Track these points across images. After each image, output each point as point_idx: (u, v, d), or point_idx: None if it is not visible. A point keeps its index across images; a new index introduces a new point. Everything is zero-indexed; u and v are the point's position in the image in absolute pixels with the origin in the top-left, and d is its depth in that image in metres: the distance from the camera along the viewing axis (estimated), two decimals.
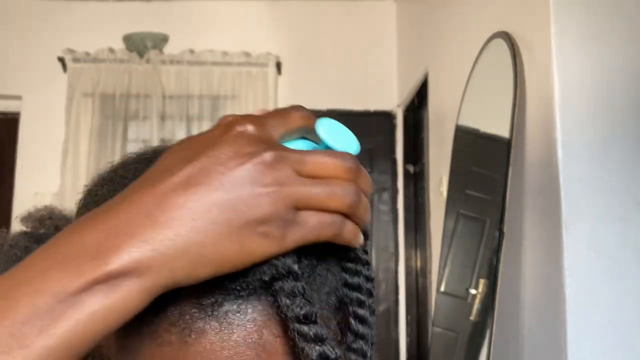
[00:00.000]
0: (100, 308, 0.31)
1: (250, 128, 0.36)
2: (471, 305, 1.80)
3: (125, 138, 3.44)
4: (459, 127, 2.17)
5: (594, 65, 1.48)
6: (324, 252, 0.40)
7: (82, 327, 0.30)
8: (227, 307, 0.36)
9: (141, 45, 3.48)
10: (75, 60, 3.45)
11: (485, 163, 1.92)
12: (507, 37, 1.79)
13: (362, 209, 0.37)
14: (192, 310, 0.36)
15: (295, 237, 0.35)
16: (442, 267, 2.19)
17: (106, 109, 3.47)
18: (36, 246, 0.37)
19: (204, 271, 0.33)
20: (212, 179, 0.33)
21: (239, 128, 0.36)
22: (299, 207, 0.35)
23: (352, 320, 0.41)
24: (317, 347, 0.35)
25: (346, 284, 0.41)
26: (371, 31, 3.65)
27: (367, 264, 0.43)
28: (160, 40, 3.52)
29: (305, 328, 0.35)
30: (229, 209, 0.33)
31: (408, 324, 3.38)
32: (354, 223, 0.38)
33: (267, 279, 0.36)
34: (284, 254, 0.36)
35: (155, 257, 0.31)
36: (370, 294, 0.42)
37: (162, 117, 3.45)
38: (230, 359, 0.35)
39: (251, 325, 0.36)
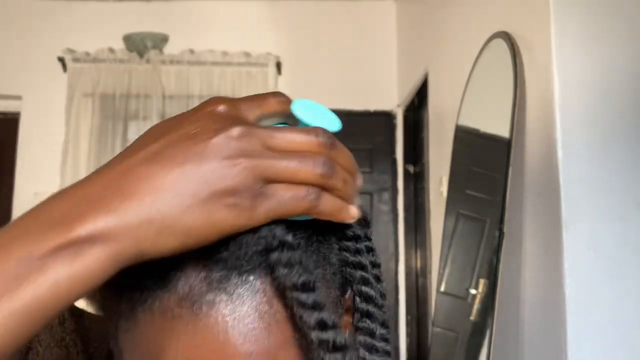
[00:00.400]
0: (64, 273, 0.31)
1: (221, 107, 0.36)
2: (471, 305, 1.80)
3: (125, 138, 3.44)
4: (459, 127, 2.17)
5: (594, 65, 1.48)
6: (321, 229, 0.40)
7: (46, 291, 0.30)
8: (234, 280, 0.36)
9: (141, 45, 3.48)
10: (75, 60, 3.45)
11: (485, 163, 1.92)
12: (507, 37, 1.79)
13: (339, 181, 0.36)
14: (202, 285, 0.36)
15: (266, 209, 0.34)
16: (442, 267, 2.19)
17: (106, 109, 3.47)
18: None
19: (169, 242, 0.33)
20: (178, 152, 0.34)
21: (210, 107, 0.36)
22: (268, 180, 0.35)
23: (357, 299, 0.41)
24: (316, 314, 0.36)
25: (348, 263, 0.42)
26: (371, 31, 3.65)
27: (371, 250, 0.43)
28: (160, 40, 3.52)
29: (303, 296, 0.36)
30: (195, 181, 0.33)
31: (408, 324, 3.38)
32: (334, 197, 0.36)
33: (260, 248, 0.36)
34: (275, 225, 0.36)
35: (119, 226, 0.32)
36: (377, 278, 0.43)
37: (162, 117, 3.44)
38: (241, 329, 0.35)
39: (261, 296, 0.36)
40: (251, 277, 0.37)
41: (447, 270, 2.15)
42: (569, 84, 1.47)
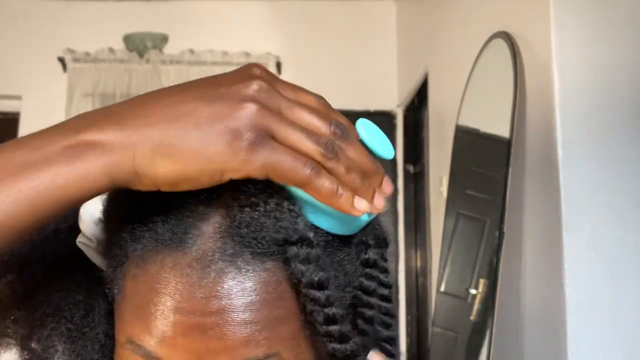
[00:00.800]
0: (64, 170, 0.34)
1: (257, 70, 0.38)
2: (471, 305, 1.80)
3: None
4: (459, 127, 2.17)
5: (594, 65, 1.48)
6: (342, 240, 0.41)
7: (45, 181, 0.33)
8: (247, 257, 0.38)
9: (141, 45, 3.48)
10: (75, 60, 3.45)
11: (485, 163, 1.92)
12: (507, 37, 1.79)
13: (341, 166, 0.37)
14: (215, 254, 0.38)
15: (263, 159, 0.35)
16: (442, 267, 2.19)
17: None
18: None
19: (163, 164, 0.34)
20: (201, 90, 0.36)
21: (249, 69, 0.38)
22: (274, 137, 0.35)
23: (359, 321, 0.42)
24: (326, 311, 0.37)
25: (361, 288, 0.43)
26: (371, 31, 3.65)
27: (385, 270, 0.44)
28: (160, 40, 3.52)
29: (317, 293, 0.37)
30: (204, 115, 0.35)
31: (408, 324, 3.38)
32: (335, 180, 0.37)
33: (279, 237, 0.37)
34: (298, 219, 0.38)
35: (121, 138, 0.34)
36: (385, 298, 0.44)
37: None
38: (244, 299, 0.37)
39: (269, 275, 0.38)
40: (264, 259, 0.38)
41: (447, 270, 2.15)
42: (569, 84, 1.47)
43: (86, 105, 3.40)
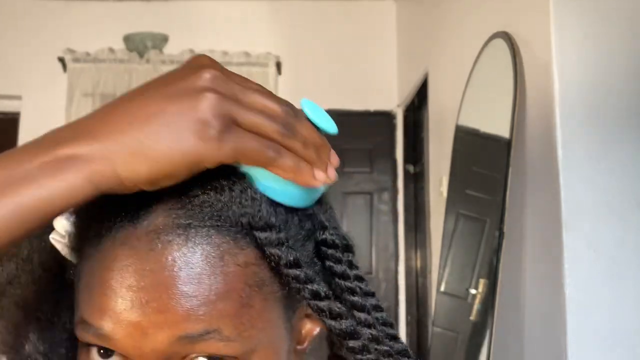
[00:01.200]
0: (47, 185, 0.35)
1: (206, 60, 0.39)
2: (471, 305, 1.80)
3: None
4: (459, 127, 2.17)
5: (594, 65, 1.48)
6: (300, 221, 0.43)
7: (30, 197, 0.35)
8: (196, 230, 0.39)
9: (141, 45, 3.48)
10: (75, 60, 3.45)
11: (485, 163, 1.92)
12: (507, 37, 1.79)
13: (298, 143, 0.39)
14: (165, 227, 0.40)
15: (232, 144, 0.37)
16: (442, 267, 2.19)
17: None
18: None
19: (142, 167, 0.36)
20: (160, 90, 0.37)
21: (195, 60, 0.39)
22: (236, 124, 0.37)
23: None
24: (309, 286, 0.40)
25: (332, 271, 0.44)
26: (371, 31, 3.65)
27: (357, 278, 0.45)
28: (160, 40, 3.52)
29: (297, 272, 0.40)
30: (170, 112, 0.36)
31: (408, 324, 3.38)
32: (296, 157, 0.39)
33: (245, 221, 0.40)
34: (260, 204, 0.40)
35: (98, 149, 0.36)
36: (364, 292, 0.45)
37: None
38: (187, 272, 0.38)
39: (214, 249, 0.39)
40: (211, 233, 0.39)
41: (447, 270, 2.15)
42: (569, 84, 1.47)
43: (86, 105, 3.40)
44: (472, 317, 1.79)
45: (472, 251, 1.92)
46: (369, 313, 0.43)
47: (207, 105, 0.36)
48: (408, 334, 3.38)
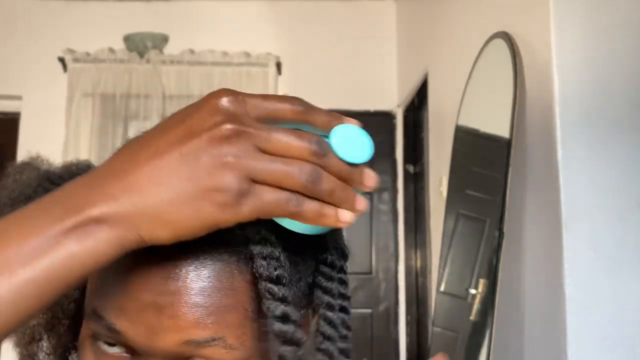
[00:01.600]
0: (77, 249, 0.35)
1: (224, 100, 0.37)
2: (471, 305, 1.80)
3: (125, 138, 3.44)
4: (459, 127, 2.17)
5: (594, 65, 1.48)
6: (303, 243, 0.44)
7: (60, 264, 0.35)
8: (207, 247, 0.41)
9: (141, 45, 3.48)
10: (76, 60, 3.45)
11: (485, 163, 1.92)
12: (507, 37, 1.79)
13: (325, 189, 0.38)
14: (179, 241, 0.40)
15: (250, 207, 0.37)
16: (442, 267, 2.19)
17: (106, 109, 3.47)
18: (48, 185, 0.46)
19: (163, 232, 0.37)
20: (175, 148, 0.37)
21: (214, 100, 0.38)
22: (255, 181, 0.37)
23: (321, 322, 0.45)
24: (282, 307, 0.40)
25: (320, 287, 0.46)
26: (371, 31, 3.65)
27: (343, 282, 0.47)
28: (160, 40, 3.52)
29: (275, 288, 0.40)
30: (185, 178, 0.36)
31: (408, 324, 3.38)
32: (319, 203, 0.38)
33: (243, 239, 0.41)
34: (262, 226, 0.41)
35: (121, 212, 0.36)
36: (344, 309, 0.47)
37: (163, 117, 3.44)
38: (198, 284, 0.41)
39: (225, 265, 0.41)
40: (221, 251, 0.42)
41: (447, 270, 2.15)
42: (569, 84, 1.47)
43: (86, 105, 3.40)
44: (472, 317, 1.79)
45: (472, 251, 1.92)
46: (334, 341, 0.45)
47: (223, 171, 0.36)
48: (408, 334, 3.38)
